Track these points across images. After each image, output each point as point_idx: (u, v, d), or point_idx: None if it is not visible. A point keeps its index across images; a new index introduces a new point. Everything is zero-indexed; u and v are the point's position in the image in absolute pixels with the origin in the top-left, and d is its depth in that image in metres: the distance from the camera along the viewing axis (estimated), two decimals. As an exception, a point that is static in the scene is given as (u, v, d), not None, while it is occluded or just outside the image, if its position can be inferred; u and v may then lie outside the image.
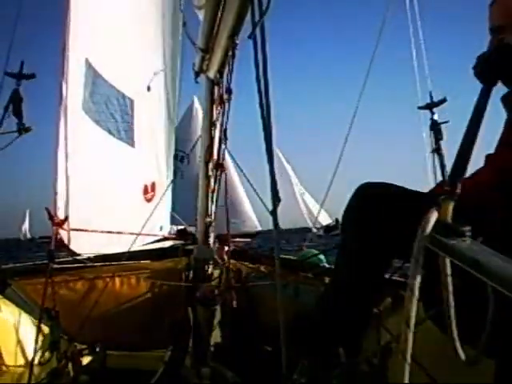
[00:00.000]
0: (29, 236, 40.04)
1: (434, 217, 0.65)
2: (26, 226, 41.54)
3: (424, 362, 1.34)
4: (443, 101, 2.04)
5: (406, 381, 0.62)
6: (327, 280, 2.35)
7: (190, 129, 13.97)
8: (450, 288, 0.68)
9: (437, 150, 3.30)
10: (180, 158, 13.18)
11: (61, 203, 2.34)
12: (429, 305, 1.01)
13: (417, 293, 0.63)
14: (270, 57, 1.06)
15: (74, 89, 2.52)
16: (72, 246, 2.45)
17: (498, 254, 0.59)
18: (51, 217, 2.18)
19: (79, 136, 2.56)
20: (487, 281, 0.55)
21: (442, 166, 3.14)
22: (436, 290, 0.71)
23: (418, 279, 0.63)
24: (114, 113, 3.03)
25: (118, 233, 2.76)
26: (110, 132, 2.98)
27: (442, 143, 3.25)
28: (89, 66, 2.69)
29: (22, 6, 2.79)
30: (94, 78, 2.78)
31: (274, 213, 1.09)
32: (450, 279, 0.67)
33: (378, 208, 1.23)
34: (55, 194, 2.32)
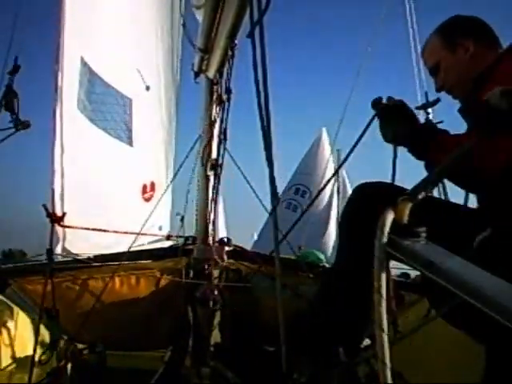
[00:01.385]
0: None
1: (390, 217, 0.64)
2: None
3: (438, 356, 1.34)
4: (437, 101, 2.00)
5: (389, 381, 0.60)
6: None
7: (314, 162, 12.77)
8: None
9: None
10: (301, 192, 12.38)
11: (58, 200, 2.33)
12: (434, 302, 1.01)
13: (384, 294, 0.60)
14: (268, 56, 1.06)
15: (69, 87, 2.50)
16: (69, 246, 2.44)
17: (454, 255, 0.57)
18: (49, 214, 2.16)
19: (75, 134, 2.55)
20: (441, 282, 0.54)
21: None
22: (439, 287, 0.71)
23: (384, 279, 0.61)
24: (112, 112, 3.01)
25: (115, 232, 2.74)
26: (106, 131, 2.96)
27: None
28: (84, 64, 2.67)
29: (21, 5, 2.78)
30: (89, 76, 2.76)
31: (273, 213, 1.09)
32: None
33: (375, 207, 1.23)
34: (52, 191, 2.30)
